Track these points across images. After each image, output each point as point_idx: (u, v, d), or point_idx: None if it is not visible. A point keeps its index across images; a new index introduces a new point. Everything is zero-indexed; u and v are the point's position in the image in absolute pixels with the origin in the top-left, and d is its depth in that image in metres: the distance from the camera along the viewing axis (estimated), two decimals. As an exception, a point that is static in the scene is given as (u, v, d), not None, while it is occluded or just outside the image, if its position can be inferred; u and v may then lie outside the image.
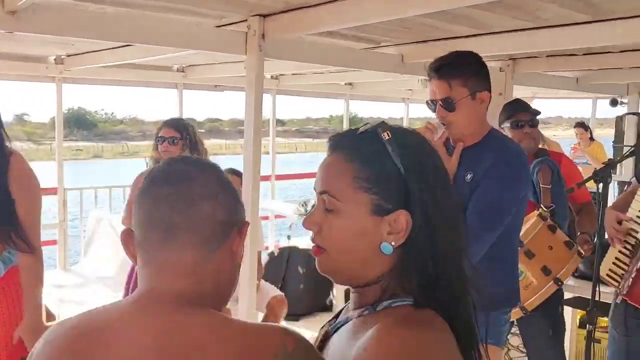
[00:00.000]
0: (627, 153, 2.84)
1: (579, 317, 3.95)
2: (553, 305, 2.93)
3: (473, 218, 2.02)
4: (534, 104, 7.03)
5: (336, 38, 3.54)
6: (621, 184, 5.69)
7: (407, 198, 0.94)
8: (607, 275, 2.64)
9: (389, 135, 0.95)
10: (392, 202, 0.94)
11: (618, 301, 2.59)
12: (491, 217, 2.06)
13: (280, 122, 38.24)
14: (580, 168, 7.41)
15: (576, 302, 3.64)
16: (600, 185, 2.50)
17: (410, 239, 0.94)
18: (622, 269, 2.56)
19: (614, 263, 2.61)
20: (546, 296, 2.75)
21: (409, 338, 0.85)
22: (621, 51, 3.76)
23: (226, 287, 1.02)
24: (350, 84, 6.62)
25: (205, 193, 0.96)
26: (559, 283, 2.75)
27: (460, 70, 2.09)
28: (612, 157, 6.52)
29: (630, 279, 2.51)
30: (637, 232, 2.52)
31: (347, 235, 0.96)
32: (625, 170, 5.83)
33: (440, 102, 2.09)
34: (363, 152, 0.96)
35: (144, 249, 0.97)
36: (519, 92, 5.10)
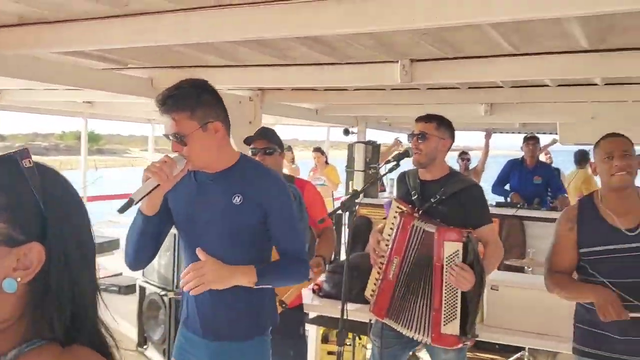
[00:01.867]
0: (366, 186, 3.14)
1: (321, 333, 4.24)
2: (294, 327, 3.06)
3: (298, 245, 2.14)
4: (276, 129, 7.46)
5: (79, 57, 3.21)
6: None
7: (45, 231, 0.88)
8: (370, 295, 2.88)
9: (30, 164, 0.89)
10: (25, 233, 0.87)
11: (372, 319, 2.85)
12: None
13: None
14: (318, 188, 8.12)
15: (320, 320, 3.87)
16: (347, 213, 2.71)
17: (45, 275, 0.87)
18: (376, 286, 2.82)
19: (373, 283, 2.86)
20: None
21: None
22: (355, 89, 4.18)
23: None
24: (89, 102, 6.11)
25: None
26: (283, 305, 2.81)
27: (185, 103, 1.97)
28: (346, 181, 7.27)
29: (376, 296, 2.78)
30: (386, 252, 2.80)
31: None
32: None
33: (172, 137, 1.99)
34: None
35: None
36: (266, 119, 5.33)
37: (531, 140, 6.41)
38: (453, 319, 2.62)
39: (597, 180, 6.70)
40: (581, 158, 7.58)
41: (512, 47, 2.62)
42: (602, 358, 2.46)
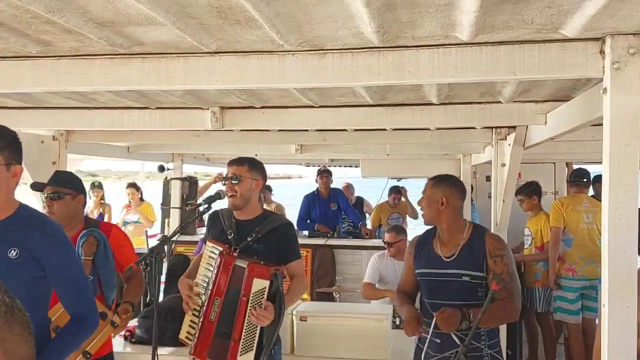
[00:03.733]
0: (178, 228, 3.17)
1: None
2: None
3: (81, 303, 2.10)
4: (85, 162, 7.07)
5: None
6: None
7: None
8: (186, 337, 2.88)
9: None
10: None
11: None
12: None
13: None
14: (131, 227, 7.83)
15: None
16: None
17: None
18: (194, 329, 2.84)
19: (190, 325, 2.87)
20: None
21: None
22: (166, 130, 4.18)
23: None
24: None
25: None
26: (87, 356, 2.73)
27: None
28: (162, 219, 7.11)
29: (196, 339, 2.81)
30: (203, 293, 2.84)
31: None
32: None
33: None
34: None
35: None
36: (73, 156, 5.06)
37: (325, 174, 7.36)
38: (249, 351, 2.77)
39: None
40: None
41: (311, 101, 2.91)
42: None
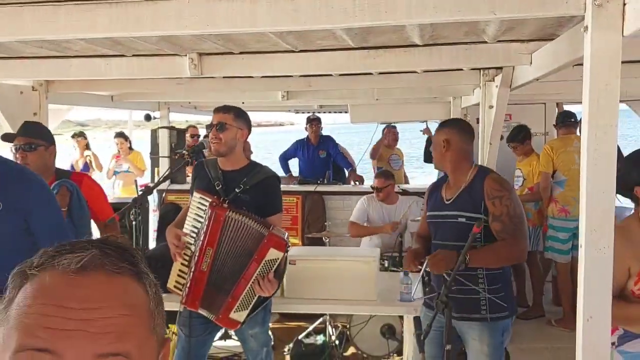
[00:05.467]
0: (161, 178, 3.15)
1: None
2: None
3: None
4: (73, 112, 6.97)
5: None
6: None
7: None
8: (174, 286, 2.91)
9: None
10: None
11: (181, 309, 2.91)
12: None
13: None
14: (121, 177, 7.81)
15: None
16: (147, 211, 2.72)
17: None
18: (184, 279, 2.87)
19: (178, 275, 2.90)
20: None
21: None
22: (146, 79, 4.09)
23: None
24: None
25: None
26: None
27: None
28: (151, 167, 7.09)
29: (187, 288, 2.84)
30: (191, 244, 2.86)
31: None
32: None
33: None
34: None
35: None
36: (56, 106, 4.98)
37: (314, 122, 7.34)
38: (244, 310, 2.82)
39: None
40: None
41: (290, 45, 2.83)
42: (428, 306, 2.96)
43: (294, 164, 7.72)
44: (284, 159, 7.66)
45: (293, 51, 2.96)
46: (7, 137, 3.01)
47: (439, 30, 2.65)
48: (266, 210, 2.91)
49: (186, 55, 3.03)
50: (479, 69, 3.97)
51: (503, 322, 2.83)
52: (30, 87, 4.00)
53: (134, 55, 3.09)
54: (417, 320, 2.47)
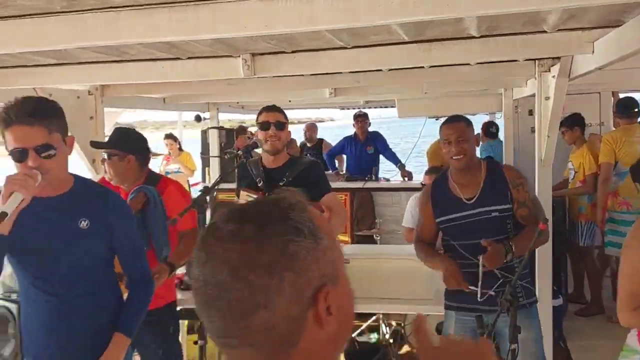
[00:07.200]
0: (218, 179, 3.19)
1: (186, 324, 4.28)
2: (162, 326, 3.04)
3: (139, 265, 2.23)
4: (124, 116, 7.16)
5: None
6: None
7: None
8: None
9: None
10: None
11: None
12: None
13: None
14: (172, 177, 7.95)
15: (184, 314, 3.89)
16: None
17: None
18: None
19: None
20: None
21: None
22: (199, 81, 4.13)
23: None
24: None
25: None
26: None
27: (51, 114, 1.97)
28: (202, 167, 7.20)
29: None
30: None
31: None
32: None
33: (39, 149, 1.91)
34: None
35: None
36: (110, 109, 5.11)
37: (361, 118, 7.30)
38: None
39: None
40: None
41: (343, 42, 2.81)
42: (466, 309, 2.87)
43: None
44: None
45: (345, 48, 2.93)
46: (94, 145, 3.17)
47: (498, 21, 2.57)
48: (316, 194, 2.92)
49: (239, 57, 3.05)
50: (534, 60, 3.85)
51: (536, 304, 2.94)
52: (87, 91, 4.11)
53: (189, 58, 3.13)
54: (479, 319, 2.42)
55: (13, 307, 4.02)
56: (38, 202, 1.96)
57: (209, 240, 0.79)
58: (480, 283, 2.76)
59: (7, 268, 4.04)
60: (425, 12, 1.79)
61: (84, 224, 2.04)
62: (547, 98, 3.82)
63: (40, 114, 1.92)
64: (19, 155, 1.91)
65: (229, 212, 0.81)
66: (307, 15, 1.88)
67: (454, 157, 2.84)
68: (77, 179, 2.13)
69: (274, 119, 2.95)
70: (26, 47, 2.23)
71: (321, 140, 8.34)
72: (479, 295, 2.76)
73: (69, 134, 2.08)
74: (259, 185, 2.97)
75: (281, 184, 2.91)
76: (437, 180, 3.09)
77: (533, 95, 4.18)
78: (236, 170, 3.18)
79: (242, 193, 2.96)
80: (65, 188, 2.06)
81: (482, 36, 2.87)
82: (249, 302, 0.77)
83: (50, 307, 2.07)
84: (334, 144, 7.88)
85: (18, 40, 2.17)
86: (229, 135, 6.80)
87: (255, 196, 2.87)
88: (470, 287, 2.77)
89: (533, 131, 4.31)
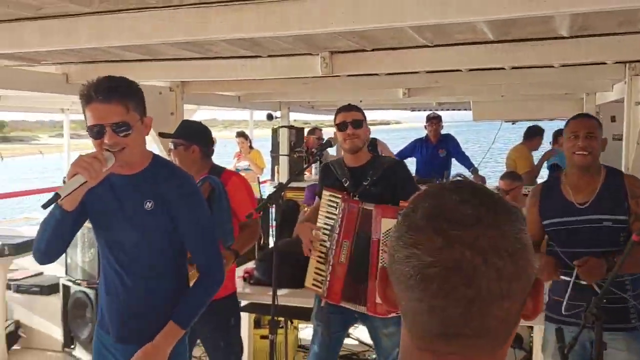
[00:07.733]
0: (292, 177, 3.21)
1: (253, 319, 4.32)
2: (224, 318, 3.05)
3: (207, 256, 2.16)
4: (198, 114, 7.34)
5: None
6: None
7: None
8: (313, 284, 2.96)
9: None
10: None
11: (322, 304, 2.94)
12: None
13: None
14: (242, 174, 8.08)
15: (251, 308, 3.93)
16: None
17: None
18: (322, 275, 2.91)
19: (315, 272, 2.95)
20: None
21: None
22: (276, 79, 4.19)
23: None
24: (-3, 95, 5.77)
25: None
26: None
27: (130, 93, 1.97)
28: (272, 166, 7.29)
29: (327, 283, 2.88)
30: (325, 240, 2.90)
31: None
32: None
33: (113, 127, 1.91)
34: None
35: None
36: (186, 105, 5.26)
37: (434, 120, 7.11)
38: None
39: (534, 159, 6.98)
40: (529, 133, 6.71)
41: (426, 40, 2.76)
42: (553, 319, 2.70)
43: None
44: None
45: (428, 46, 2.88)
46: (162, 135, 3.25)
47: (591, 20, 2.45)
48: (403, 194, 2.85)
49: (318, 55, 3.05)
50: (625, 62, 3.65)
51: None
52: (168, 87, 4.24)
53: (269, 56, 3.17)
54: (559, 332, 2.30)
55: (91, 292, 4.22)
56: (116, 179, 2.01)
57: (443, 225, 0.75)
58: (567, 295, 2.61)
59: (88, 255, 4.26)
60: (523, 8, 1.72)
61: (148, 205, 2.03)
62: (638, 103, 3.62)
63: (118, 91, 1.92)
64: (96, 132, 1.93)
65: (461, 195, 0.76)
66: (396, 9, 1.85)
67: (578, 152, 2.60)
68: (156, 159, 2.12)
69: (350, 117, 2.92)
70: (118, 41, 2.31)
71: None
72: (563, 307, 2.62)
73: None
74: (345, 185, 2.95)
75: (365, 183, 2.89)
76: (547, 182, 2.94)
77: (618, 101, 3.98)
78: (317, 170, 3.18)
79: (325, 193, 2.95)
80: (140, 168, 2.06)
81: (571, 36, 2.74)
82: (496, 291, 0.74)
83: (115, 283, 2.10)
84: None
85: (111, 34, 2.25)
86: (299, 135, 6.85)
87: (339, 196, 2.87)
88: (562, 276, 2.63)
89: (615, 138, 4.09)
